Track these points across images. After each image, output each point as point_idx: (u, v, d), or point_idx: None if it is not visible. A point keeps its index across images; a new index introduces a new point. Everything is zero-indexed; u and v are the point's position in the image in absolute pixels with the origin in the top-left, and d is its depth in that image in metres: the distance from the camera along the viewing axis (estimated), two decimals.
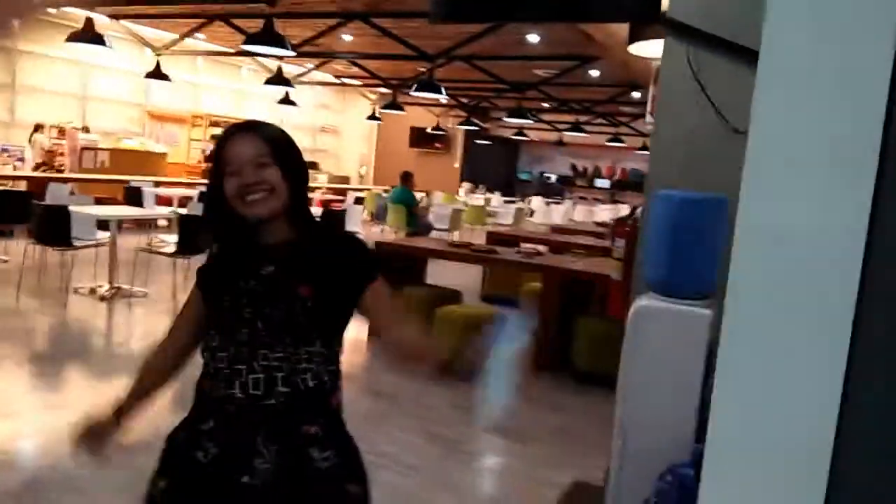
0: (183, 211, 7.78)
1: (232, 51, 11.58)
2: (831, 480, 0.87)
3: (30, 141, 11.48)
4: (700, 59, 2.56)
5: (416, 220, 10.71)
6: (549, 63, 11.31)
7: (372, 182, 19.72)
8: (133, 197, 9.59)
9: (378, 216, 12.05)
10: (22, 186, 9.81)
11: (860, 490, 0.88)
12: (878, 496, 0.88)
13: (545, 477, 3.48)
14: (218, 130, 14.89)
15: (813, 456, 0.87)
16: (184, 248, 6.41)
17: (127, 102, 13.66)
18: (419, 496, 3.22)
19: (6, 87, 11.87)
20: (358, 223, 10.58)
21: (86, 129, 12.26)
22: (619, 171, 20.94)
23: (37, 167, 11.14)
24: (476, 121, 16.10)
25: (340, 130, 19.48)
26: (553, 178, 21.66)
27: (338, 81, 16.37)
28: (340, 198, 13.96)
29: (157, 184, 11.27)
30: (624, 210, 16.35)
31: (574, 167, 21.49)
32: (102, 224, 6.81)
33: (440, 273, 7.12)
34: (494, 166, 21.22)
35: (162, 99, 14.03)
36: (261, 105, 15.85)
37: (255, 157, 1.46)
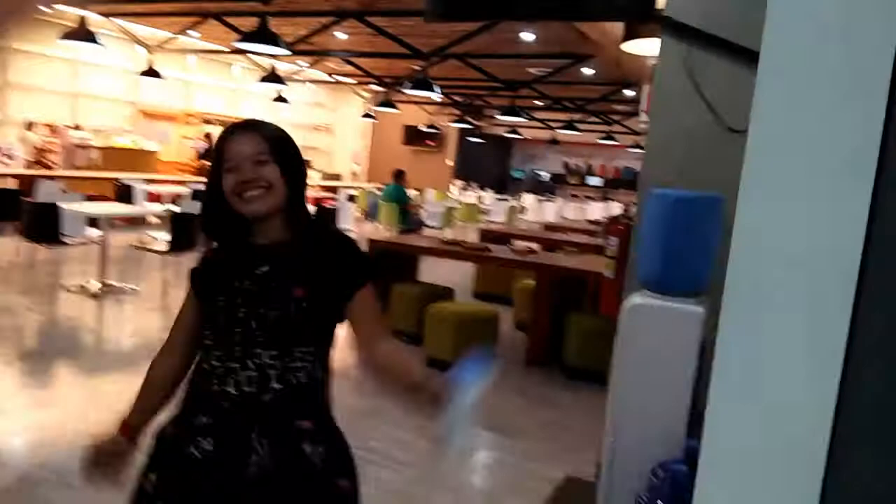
0: (175, 208, 7.76)
1: (225, 49, 11.55)
2: (827, 476, 0.87)
3: (20, 139, 11.40)
4: (695, 58, 2.56)
5: (408, 218, 10.71)
6: (542, 61, 11.32)
7: (365, 180, 19.70)
8: (124, 194, 9.55)
9: (371, 214, 12.04)
10: (12, 184, 9.74)
11: (856, 486, 0.88)
12: (875, 491, 0.88)
13: (537, 472, 3.49)
14: (210, 128, 14.87)
15: (809, 452, 0.87)
16: (175, 246, 6.39)
17: (119, 100, 13.58)
18: (410, 492, 3.22)
19: None
20: (350, 220, 10.57)
21: (77, 127, 12.19)
22: (611, 169, 20.99)
23: (28, 165, 11.08)
24: (469, 119, 16.09)
25: (333, 128, 19.44)
26: (545, 175, 21.70)
27: (331, 79, 16.35)
28: (333, 195, 13.94)
29: (149, 181, 11.22)
30: (616, 208, 16.40)
31: (566, 165, 21.53)
32: (93, 221, 6.78)
33: (432, 270, 7.12)
34: (487, 164, 21.24)
35: (154, 97, 13.96)
36: (254, 103, 15.81)
37: (254, 155, 1.47)
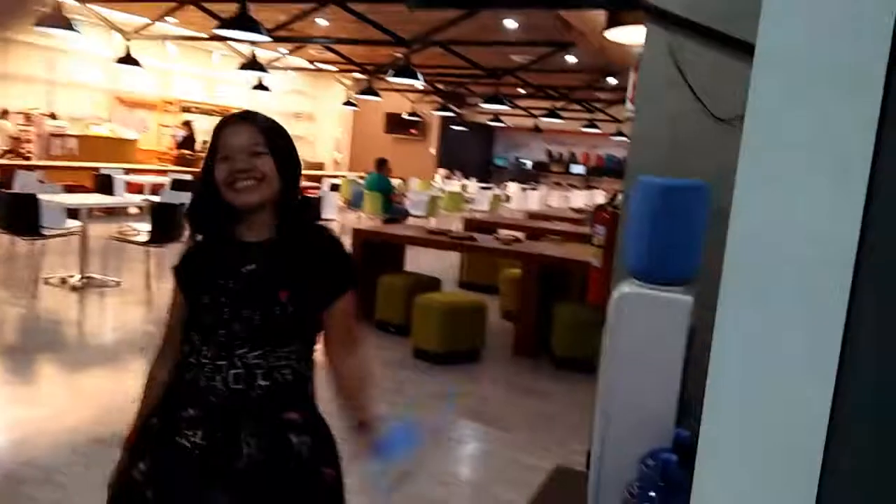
0: (155, 199, 7.66)
1: (204, 35, 11.39)
2: (824, 468, 0.87)
3: None
4: (681, 47, 2.56)
5: (392, 207, 10.68)
6: (525, 49, 11.29)
7: (347, 168, 19.59)
8: (103, 184, 9.41)
9: (354, 203, 11.98)
10: None
11: (853, 476, 0.89)
12: (872, 481, 0.89)
13: (526, 462, 3.50)
14: (190, 116, 14.70)
15: (806, 443, 0.88)
16: (157, 237, 6.31)
17: (95, 88, 13.37)
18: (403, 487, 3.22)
19: None
20: (334, 210, 10.51)
21: (53, 116, 12.00)
22: (594, 157, 21.04)
23: (2, 154, 10.89)
24: (452, 107, 16.03)
25: (315, 116, 19.30)
26: (529, 164, 21.72)
27: (312, 67, 16.20)
28: (315, 184, 13.85)
29: (128, 171, 11.08)
30: (599, 196, 16.46)
31: (549, 153, 21.56)
32: (72, 212, 6.68)
33: (417, 260, 7.11)
34: (470, 152, 21.21)
35: (132, 84, 13.76)
36: (233, 91, 15.64)
37: (249, 146, 1.47)
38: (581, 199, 15.94)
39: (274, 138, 1.51)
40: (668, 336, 2.12)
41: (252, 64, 10.85)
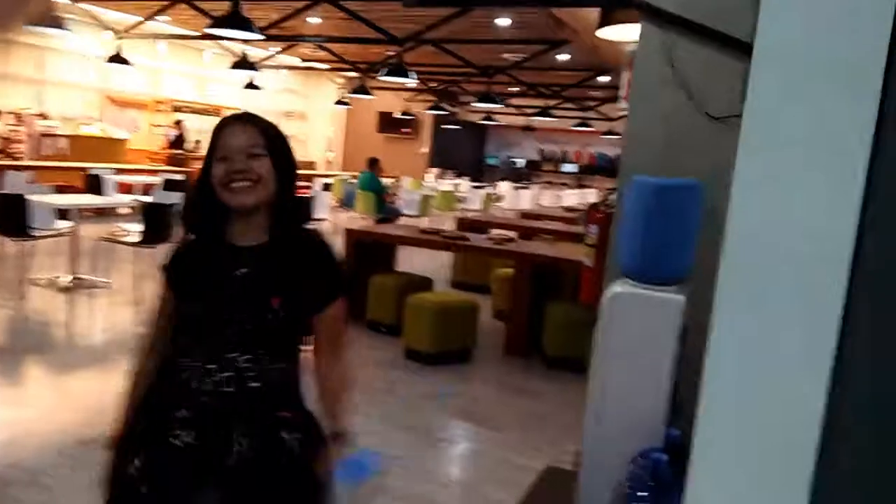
0: (146, 199, 7.61)
1: (195, 33, 11.33)
2: (819, 469, 0.87)
3: None
4: (675, 45, 2.55)
5: (385, 207, 10.65)
6: (518, 47, 11.28)
7: (340, 168, 19.54)
8: (93, 185, 9.35)
9: (346, 202, 11.95)
10: None
11: (848, 476, 0.88)
12: (866, 481, 0.88)
13: (518, 462, 3.49)
14: (181, 116, 14.63)
15: (801, 443, 0.87)
16: (148, 238, 6.27)
17: (86, 87, 13.28)
18: (392, 485, 3.20)
19: None
20: (326, 210, 10.48)
21: (43, 116, 11.91)
22: (586, 155, 21.06)
23: None
24: (445, 105, 16.02)
25: (307, 115, 19.24)
26: (521, 162, 21.71)
27: (304, 65, 16.15)
28: (307, 184, 13.80)
29: (119, 171, 11.01)
30: (591, 195, 16.47)
31: (541, 152, 21.57)
32: (62, 213, 6.63)
33: (409, 259, 7.09)
34: (462, 151, 21.19)
35: (123, 83, 13.68)
36: (225, 90, 15.57)
37: (248, 147, 1.47)
38: (573, 198, 15.95)
39: (273, 141, 1.51)
40: (660, 336, 2.12)
41: (244, 63, 10.80)
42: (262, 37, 8.11)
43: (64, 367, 4.50)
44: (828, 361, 0.85)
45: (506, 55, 12.14)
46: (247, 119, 1.53)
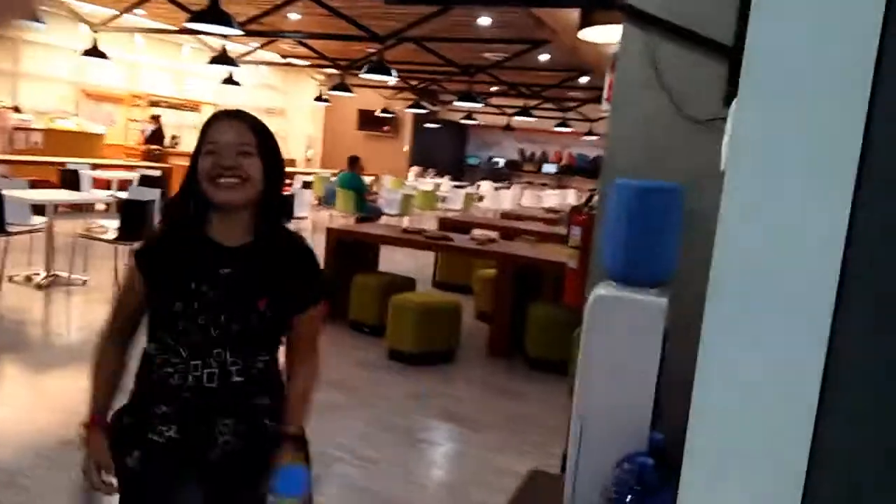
0: (123, 195, 7.51)
1: (174, 28, 11.19)
2: (808, 478, 0.87)
3: None
4: (657, 48, 2.56)
5: (365, 206, 10.61)
6: (499, 46, 11.29)
7: (319, 165, 19.42)
8: (69, 180, 9.21)
9: (327, 200, 11.88)
10: None
11: (838, 484, 0.89)
12: (856, 489, 0.89)
13: (501, 465, 3.50)
14: (158, 110, 14.45)
15: (792, 453, 0.88)
16: (125, 234, 6.18)
17: (61, 81, 13.08)
18: (376, 487, 3.19)
19: None
20: (307, 208, 10.41)
21: (17, 109, 11.70)
22: (566, 156, 21.14)
23: None
24: (425, 104, 15.98)
25: (286, 112, 19.10)
26: (501, 162, 21.74)
27: (284, 61, 16.03)
28: (288, 181, 13.71)
29: (95, 166, 10.85)
30: (571, 195, 16.54)
31: (522, 152, 21.61)
32: (38, 209, 6.52)
33: (391, 258, 7.07)
34: (443, 151, 21.17)
35: (99, 77, 13.48)
36: (203, 85, 15.41)
37: (239, 145, 1.46)
38: (553, 198, 16.00)
39: (264, 140, 1.50)
40: (644, 339, 2.13)
41: (222, 58, 10.68)
42: (240, 32, 8.03)
43: (40, 365, 4.43)
44: (818, 371, 0.86)
45: (486, 54, 12.14)
46: (238, 115, 1.51)
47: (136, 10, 10.73)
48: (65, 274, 6.41)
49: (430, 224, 9.05)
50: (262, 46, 13.83)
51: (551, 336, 5.00)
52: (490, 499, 3.11)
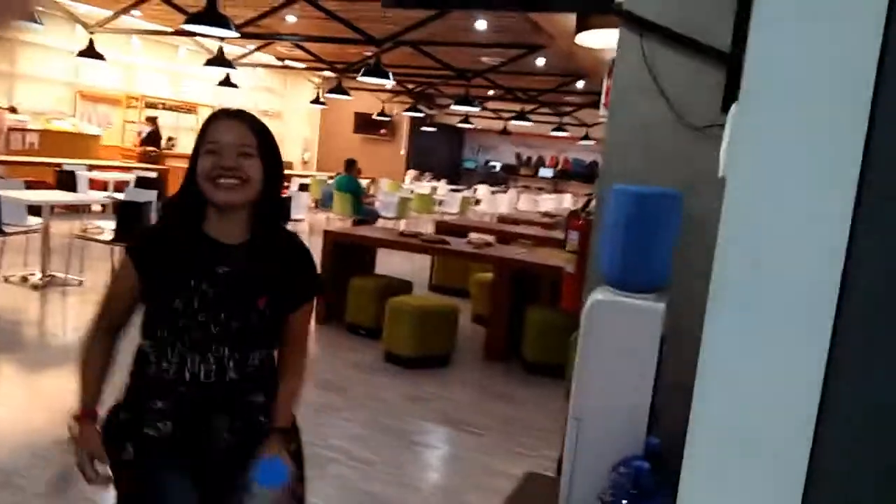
0: (119, 196, 7.50)
1: (170, 30, 11.18)
2: (809, 480, 0.88)
3: None
4: (655, 53, 2.58)
5: (362, 208, 10.61)
6: (495, 51, 11.32)
7: (315, 168, 19.41)
8: (66, 181, 9.19)
9: (324, 203, 11.88)
10: None
11: (838, 486, 0.90)
12: (856, 491, 0.90)
13: (497, 468, 3.50)
14: (154, 112, 14.43)
15: (792, 451, 0.89)
16: (121, 235, 6.18)
17: (58, 82, 13.05)
18: (371, 489, 3.19)
19: None
20: (304, 210, 10.41)
21: (13, 110, 11.68)
22: (562, 160, 21.17)
23: None
24: (422, 107, 16.00)
25: (283, 114, 19.09)
26: (498, 166, 21.75)
27: (281, 64, 16.02)
28: (284, 184, 13.69)
29: (91, 167, 10.83)
30: (568, 200, 16.55)
31: (518, 156, 21.62)
32: (34, 209, 6.51)
33: (387, 261, 7.07)
34: (440, 154, 21.16)
35: (95, 79, 13.46)
36: (200, 87, 15.39)
37: (240, 145, 1.46)
38: (550, 203, 16.00)
39: (265, 142, 1.51)
40: (641, 343, 2.13)
41: (219, 60, 10.67)
42: (237, 35, 8.04)
43: (36, 366, 4.41)
44: (819, 374, 0.86)
45: (483, 58, 12.17)
46: (239, 115, 1.51)
47: (132, 12, 10.73)
48: (61, 275, 6.39)
49: (426, 227, 9.06)
50: (259, 49, 13.84)
51: (548, 340, 5.01)
52: (485, 502, 3.11)
